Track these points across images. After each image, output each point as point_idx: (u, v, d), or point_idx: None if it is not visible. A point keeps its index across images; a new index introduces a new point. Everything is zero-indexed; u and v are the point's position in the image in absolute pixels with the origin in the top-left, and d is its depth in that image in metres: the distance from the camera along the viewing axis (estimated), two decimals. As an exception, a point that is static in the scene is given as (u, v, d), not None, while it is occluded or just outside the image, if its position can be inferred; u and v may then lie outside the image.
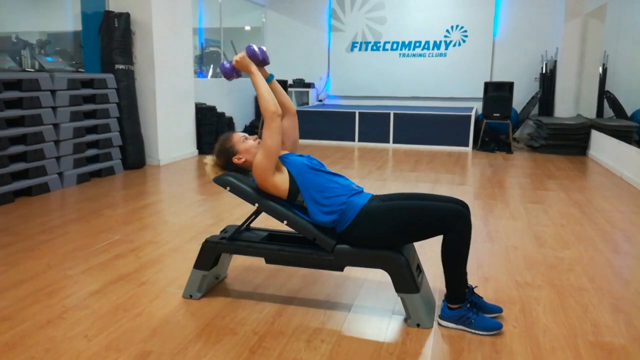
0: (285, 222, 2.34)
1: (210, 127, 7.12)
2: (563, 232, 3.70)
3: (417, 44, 9.55)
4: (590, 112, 8.19)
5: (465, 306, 2.25)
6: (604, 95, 8.41)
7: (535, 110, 8.89)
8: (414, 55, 9.60)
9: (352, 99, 9.97)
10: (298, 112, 8.45)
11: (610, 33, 8.27)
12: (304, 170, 2.35)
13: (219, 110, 7.53)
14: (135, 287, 2.68)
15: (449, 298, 2.27)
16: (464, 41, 9.36)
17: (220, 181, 2.42)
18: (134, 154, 5.88)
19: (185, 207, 4.29)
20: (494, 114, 7.81)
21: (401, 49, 9.63)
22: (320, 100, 10.10)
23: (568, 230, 3.75)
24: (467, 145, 7.89)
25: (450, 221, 2.16)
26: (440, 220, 2.17)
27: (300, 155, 2.47)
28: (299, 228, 2.34)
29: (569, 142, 7.54)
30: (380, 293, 2.63)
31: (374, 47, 9.72)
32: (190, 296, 2.53)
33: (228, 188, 2.40)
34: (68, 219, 3.92)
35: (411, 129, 8.05)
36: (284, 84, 8.76)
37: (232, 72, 2.45)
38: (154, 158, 6.21)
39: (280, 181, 2.32)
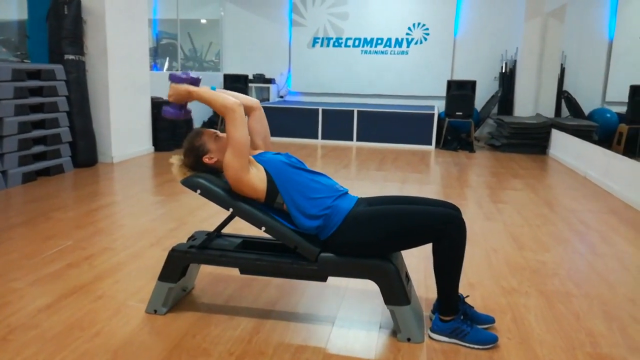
0: (263, 228, 2.12)
1: (167, 122, 6.76)
2: (539, 234, 3.62)
3: (379, 41, 9.43)
4: (548, 112, 8.30)
5: (459, 318, 2.09)
6: (562, 95, 8.55)
7: (494, 109, 8.94)
8: (376, 52, 9.48)
9: (313, 96, 9.76)
10: (259, 108, 8.18)
11: (567, 33, 8.39)
12: (283, 169, 2.13)
13: (177, 105, 7.15)
14: (91, 301, 2.39)
15: (441, 310, 2.11)
16: (425, 39, 9.31)
17: (189, 183, 2.17)
18: (85, 151, 5.48)
19: (143, 209, 3.98)
20: (457, 113, 7.78)
21: (363, 46, 9.50)
22: (281, 97, 9.85)
23: (544, 232, 3.67)
24: (430, 143, 7.84)
25: (445, 227, 1.99)
26: (434, 226, 2.00)
27: (278, 153, 2.26)
28: (278, 235, 2.12)
29: (530, 141, 7.60)
30: (364, 303, 2.44)
31: (336, 43, 9.55)
32: (155, 311, 2.27)
33: (198, 191, 2.15)
34: (13, 222, 3.55)
35: (375, 127, 7.93)
36: (244, 79, 8.46)
37: (179, 109, 2.23)
38: (106, 155, 5.82)
39: (257, 181, 2.10)
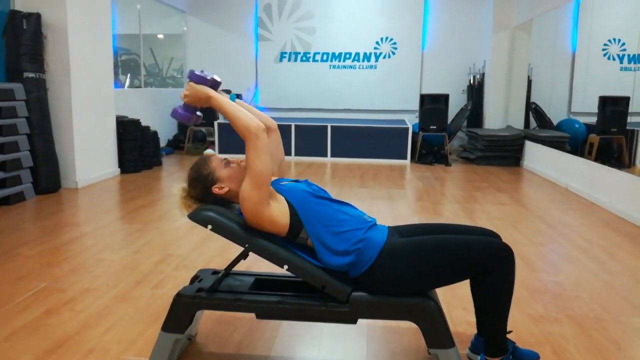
0: (285, 267, 1.87)
1: (134, 142, 6.37)
2: (545, 252, 3.49)
3: (348, 56, 9.32)
4: (518, 124, 8.35)
5: (508, 358, 1.89)
6: (530, 106, 8.63)
7: (464, 122, 8.94)
8: (344, 67, 9.36)
9: (282, 111, 9.53)
10: (227, 125, 7.89)
11: (534, 46, 8.50)
12: (307, 200, 1.89)
13: (143, 123, 6.78)
14: (81, 357, 2.06)
15: (488, 350, 1.90)
16: (393, 53, 9.26)
17: (198, 218, 1.89)
18: (47, 176, 5.05)
19: (121, 241, 3.63)
20: (431, 127, 7.71)
21: (331, 60, 9.36)
22: (248, 113, 9.55)
23: (549, 250, 3.55)
24: (405, 158, 7.73)
25: (496, 259, 1.79)
26: (482, 258, 1.80)
27: (296, 181, 2.01)
28: (303, 274, 1.87)
29: (504, 153, 7.60)
30: (392, 343, 2.20)
31: (304, 58, 9.37)
32: (160, 366, 1.97)
33: (209, 227, 1.88)
34: (-28, 262, 3.15)
35: (349, 143, 7.76)
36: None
37: (190, 113, 1.98)
38: (70, 180, 5.39)
39: (279, 214, 1.85)
